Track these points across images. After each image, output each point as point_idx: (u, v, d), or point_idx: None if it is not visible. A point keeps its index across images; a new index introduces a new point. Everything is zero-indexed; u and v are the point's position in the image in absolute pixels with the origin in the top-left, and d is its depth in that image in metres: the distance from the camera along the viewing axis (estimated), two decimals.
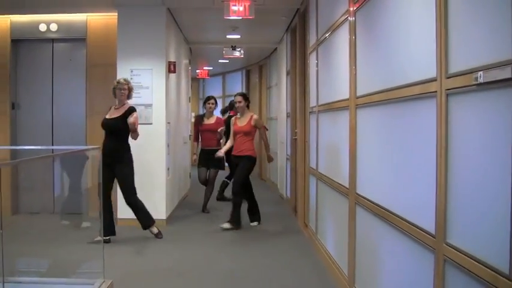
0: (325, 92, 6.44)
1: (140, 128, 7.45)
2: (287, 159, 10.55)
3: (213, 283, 5.80)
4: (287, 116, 10.46)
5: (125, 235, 7.69)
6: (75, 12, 9.27)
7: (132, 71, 8.55)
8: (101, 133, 8.16)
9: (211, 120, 10.17)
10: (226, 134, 9.98)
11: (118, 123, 7.28)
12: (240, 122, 8.61)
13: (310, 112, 7.54)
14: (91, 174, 7.73)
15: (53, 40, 9.61)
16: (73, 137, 9.27)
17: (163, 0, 8.33)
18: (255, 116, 8.69)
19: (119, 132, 7.32)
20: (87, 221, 8.32)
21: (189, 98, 13.13)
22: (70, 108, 9.49)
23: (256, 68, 16.22)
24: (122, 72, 8.50)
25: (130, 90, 7.52)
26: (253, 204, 8.80)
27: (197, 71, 16.71)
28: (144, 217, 7.58)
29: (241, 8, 8.13)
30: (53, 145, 9.45)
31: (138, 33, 8.65)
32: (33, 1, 8.41)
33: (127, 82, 7.52)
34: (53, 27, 9.40)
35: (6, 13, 9.34)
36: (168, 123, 8.86)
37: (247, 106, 8.76)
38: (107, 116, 7.46)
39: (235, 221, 8.38)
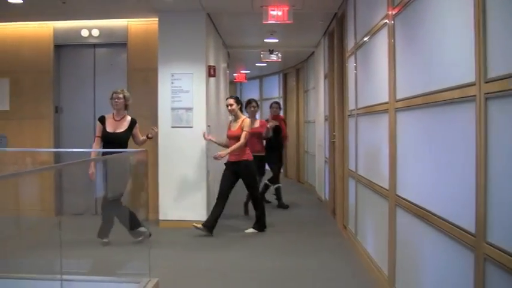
0: (364, 95, 6.52)
1: (181, 131, 7.66)
2: (325, 161, 10.62)
3: (255, 283, 5.93)
4: (325, 120, 10.53)
5: (167, 236, 7.85)
6: (117, 18, 9.49)
7: (173, 75, 8.73)
8: (141, 135, 8.41)
9: (255, 124, 9.62)
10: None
11: (126, 136, 7.52)
12: (233, 127, 8.39)
13: (349, 115, 7.62)
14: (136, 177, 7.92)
15: (94, 45, 9.87)
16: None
17: (204, 5, 8.47)
18: (247, 120, 8.38)
19: (124, 146, 7.45)
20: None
21: None
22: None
23: (293, 72, 16.30)
24: (163, 77, 8.74)
25: (126, 100, 7.63)
26: (259, 210, 8.64)
27: (234, 74, 16.85)
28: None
29: (279, 13, 8.25)
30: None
31: (179, 38, 8.82)
32: (76, 8, 8.60)
33: (123, 92, 7.66)
34: (95, 32, 9.65)
35: (49, 20, 9.63)
36: (208, 126, 9.01)
37: (240, 109, 8.48)
38: (110, 130, 7.52)
39: (261, 225, 8.51)
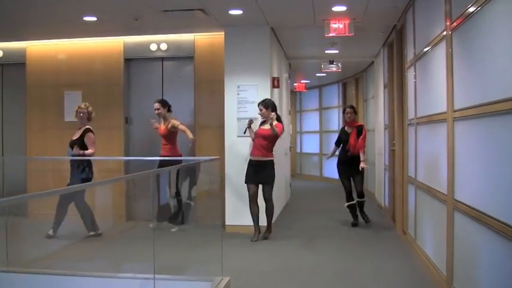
0: (423, 105, 6.79)
1: (247, 140, 8.08)
2: (385, 169, 10.83)
3: (320, 284, 6.27)
4: (384, 128, 10.75)
5: (234, 240, 8.24)
6: (184, 33, 9.97)
7: (238, 87, 9.15)
8: (209, 145, 8.88)
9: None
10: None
11: (77, 143, 8.49)
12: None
13: (408, 124, 7.86)
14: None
15: (162, 58, 10.37)
16: (182, 150, 9.93)
17: (268, 20, 8.83)
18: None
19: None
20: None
21: (289, 111, 13.62)
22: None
23: (353, 81, 16.49)
24: (229, 88, 9.17)
25: (89, 113, 8.73)
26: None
27: (294, 84, 17.10)
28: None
29: (341, 26, 8.56)
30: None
31: (244, 51, 9.23)
32: (147, 24, 9.08)
33: (86, 106, 8.74)
34: (163, 46, 10.15)
35: (120, 35, 10.19)
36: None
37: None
38: (72, 138, 8.63)
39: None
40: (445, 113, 5.42)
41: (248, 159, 8.61)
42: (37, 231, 8.55)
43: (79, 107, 8.71)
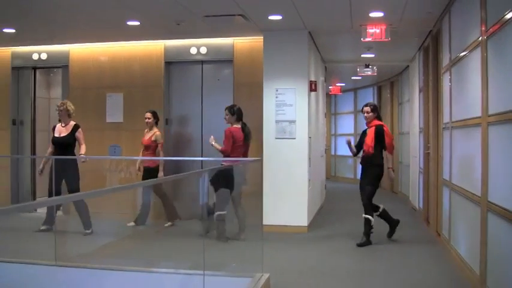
0: (458, 109, 6.93)
1: (285, 142, 8.32)
2: (419, 172, 10.96)
3: (355, 282, 6.48)
4: (419, 131, 10.87)
5: (271, 238, 8.45)
6: (224, 37, 10.20)
7: (277, 90, 9.36)
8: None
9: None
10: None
11: (68, 139, 8.95)
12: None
13: (443, 128, 7.98)
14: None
15: (202, 62, 10.62)
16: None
17: (306, 24, 9.03)
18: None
19: (68, 147, 8.99)
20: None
21: (325, 113, 13.78)
22: (219, 124, 10.37)
23: (388, 84, 16.57)
24: (268, 91, 9.40)
25: (67, 110, 9.06)
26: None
27: (330, 87, 17.21)
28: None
29: (377, 31, 8.69)
30: (202, 156, 10.38)
31: (282, 55, 9.44)
32: (188, 28, 9.33)
33: (63, 103, 9.12)
34: (203, 50, 10.40)
35: (161, 39, 10.47)
36: (310, 137, 9.57)
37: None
38: (56, 135, 9.01)
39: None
40: (479, 117, 5.59)
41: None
42: (80, 228, 8.85)
43: (57, 105, 9.21)
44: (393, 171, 8.76)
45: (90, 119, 10.78)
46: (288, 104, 9.32)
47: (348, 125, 19.36)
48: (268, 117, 9.43)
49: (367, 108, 8.60)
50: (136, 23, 8.99)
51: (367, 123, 8.66)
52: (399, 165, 14.87)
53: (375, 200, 8.60)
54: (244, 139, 8.54)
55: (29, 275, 6.07)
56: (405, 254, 7.81)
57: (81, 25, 9.37)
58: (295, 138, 9.33)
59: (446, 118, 7.73)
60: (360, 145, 8.78)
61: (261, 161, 6.91)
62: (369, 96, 18.15)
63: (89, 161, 10.19)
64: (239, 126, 8.59)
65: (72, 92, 11.05)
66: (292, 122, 9.24)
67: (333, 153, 20.09)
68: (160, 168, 9.35)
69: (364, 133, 8.74)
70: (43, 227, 8.81)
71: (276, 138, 9.32)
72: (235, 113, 8.61)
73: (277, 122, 9.31)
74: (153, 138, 9.43)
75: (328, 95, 18.07)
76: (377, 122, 8.57)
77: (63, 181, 8.61)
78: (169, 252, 7.72)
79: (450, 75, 7.44)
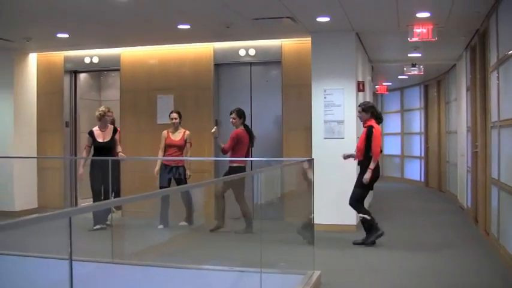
0: (506, 108, 6.97)
1: (333, 142, 8.49)
2: (467, 171, 10.97)
3: (403, 279, 6.60)
4: (467, 130, 10.88)
5: (321, 237, 8.57)
6: (272, 39, 10.38)
7: (325, 91, 9.50)
8: (296, 147, 9.27)
9: None
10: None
11: (111, 143, 9.57)
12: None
13: (491, 126, 8.02)
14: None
15: (251, 63, 10.83)
16: (271, 151, 10.38)
17: (354, 26, 9.17)
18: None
19: (111, 151, 9.57)
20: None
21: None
22: (268, 125, 10.60)
23: (435, 83, 16.51)
24: (316, 92, 9.56)
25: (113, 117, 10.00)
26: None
27: (376, 86, 17.21)
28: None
29: (424, 31, 8.76)
30: (251, 157, 10.55)
31: (330, 56, 9.59)
32: (237, 31, 9.55)
33: (111, 111, 9.85)
34: (251, 52, 10.59)
35: (210, 41, 10.70)
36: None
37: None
38: (99, 140, 9.53)
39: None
40: None
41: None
42: (133, 226, 9.13)
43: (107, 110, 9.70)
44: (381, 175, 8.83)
45: (141, 121, 11.09)
46: (336, 104, 9.45)
47: (394, 124, 19.35)
48: (316, 117, 9.58)
49: (359, 108, 8.53)
50: (187, 27, 9.23)
51: (363, 124, 8.54)
52: (446, 164, 14.86)
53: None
54: (250, 141, 9.23)
55: (86, 273, 6.29)
56: (454, 253, 7.90)
57: (134, 29, 9.66)
58: (344, 138, 9.46)
59: (494, 117, 7.76)
60: None
61: (313, 160, 7.06)
62: (415, 95, 18.16)
63: (139, 162, 10.52)
64: (243, 128, 9.24)
65: (123, 94, 11.38)
66: (341, 122, 9.36)
67: None
68: (187, 167, 9.54)
69: None
70: (97, 227, 9.12)
71: (325, 138, 9.47)
72: (242, 116, 9.20)
73: (325, 122, 9.45)
74: (185, 138, 9.62)
75: (375, 94, 18.08)
76: (370, 123, 8.37)
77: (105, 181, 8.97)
78: (220, 251, 7.93)
79: (498, 74, 7.48)
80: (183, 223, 9.62)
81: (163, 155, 9.65)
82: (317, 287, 5.97)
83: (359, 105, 8.56)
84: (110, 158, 9.05)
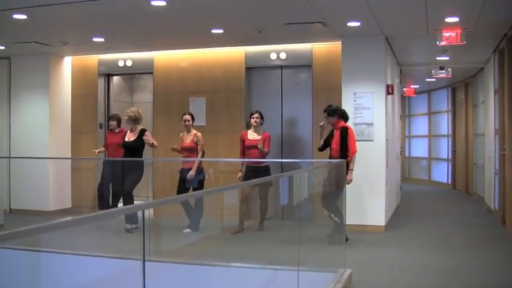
0: None
1: (363, 144, 8.72)
2: (495, 173, 11.07)
3: (432, 278, 6.76)
4: (495, 133, 10.96)
5: (351, 237, 8.75)
6: (303, 43, 10.57)
7: (355, 94, 9.68)
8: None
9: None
10: None
11: (136, 143, 9.61)
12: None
13: None
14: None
15: (281, 67, 11.02)
16: (301, 153, 10.58)
17: (383, 30, 9.33)
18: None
19: (137, 151, 9.68)
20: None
21: (400, 115, 13.97)
22: (298, 127, 10.78)
23: (462, 86, 16.51)
24: (346, 95, 9.73)
25: (135, 117, 9.71)
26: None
27: (404, 89, 17.20)
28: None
29: (453, 35, 8.89)
30: (282, 158, 10.78)
31: (360, 59, 9.76)
32: (269, 35, 9.74)
33: (132, 111, 9.75)
34: (282, 55, 10.79)
35: (242, 45, 10.92)
36: (387, 140, 9.87)
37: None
38: (126, 139, 9.70)
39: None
40: None
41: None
42: (166, 226, 9.37)
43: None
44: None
45: (174, 123, 11.24)
46: (365, 107, 9.62)
47: (422, 127, 19.43)
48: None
49: (325, 114, 8.72)
50: (220, 31, 9.45)
51: (333, 126, 8.67)
52: (474, 166, 14.90)
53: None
54: None
55: (119, 270, 6.49)
56: (483, 254, 8.04)
57: (168, 34, 9.90)
58: (373, 140, 9.62)
59: None
60: (325, 143, 8.81)
61: (345, 162, 7.27)
62: (443, 98, 18.17)
63: (171, 163, 10.73)
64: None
65: (156, 97, 11.64)
66: (370, 124, 9.54)
67: (407, 155, 20.16)
68: (194, 168, 9.42)
69: (331, 134, 8.72)
70: (128, 226, 9.08)
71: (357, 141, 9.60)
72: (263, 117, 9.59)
73: (355, 124, 9.56)
74: (194, 140, 9.62)
75: (402, 97, 18.15)
76: (343, 124, 8.56)
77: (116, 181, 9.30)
78: (254, 250, 8.15)
79: None
80: (187, 230, 9.35)
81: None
82: (348, 284, 6.16)
83: (324, 111, 8.76)
84: (121, 159, 9.61)
